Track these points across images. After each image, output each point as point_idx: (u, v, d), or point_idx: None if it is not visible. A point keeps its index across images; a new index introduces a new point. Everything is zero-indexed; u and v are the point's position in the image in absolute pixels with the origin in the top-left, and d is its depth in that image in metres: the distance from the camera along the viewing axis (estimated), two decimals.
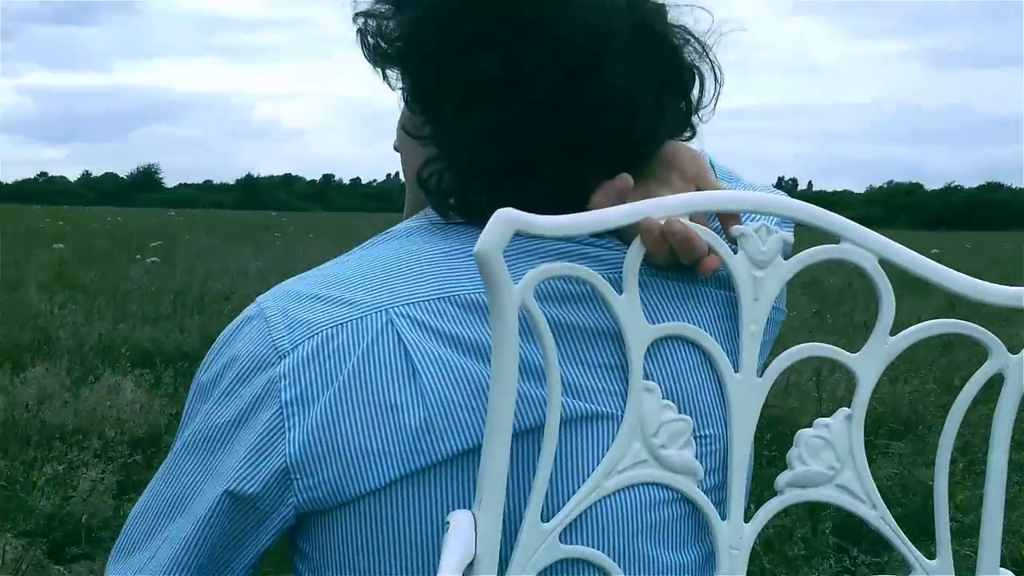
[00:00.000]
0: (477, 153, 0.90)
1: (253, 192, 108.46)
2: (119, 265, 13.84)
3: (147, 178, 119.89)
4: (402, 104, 0.99)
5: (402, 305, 0.88)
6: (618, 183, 0.92)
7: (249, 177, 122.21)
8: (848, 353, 0.93)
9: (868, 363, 0.93)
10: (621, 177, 0.92)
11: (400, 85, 0.96)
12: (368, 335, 0.87)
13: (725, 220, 0.93)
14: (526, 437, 0.85)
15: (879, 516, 0.93)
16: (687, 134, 1.01)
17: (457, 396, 0.85)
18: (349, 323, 0.88)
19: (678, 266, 0.92)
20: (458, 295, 0.88)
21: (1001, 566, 0.96)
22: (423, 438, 0.84)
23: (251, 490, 0.86)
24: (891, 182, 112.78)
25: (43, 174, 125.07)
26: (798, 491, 0.92)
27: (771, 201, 0.93)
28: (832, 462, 0.92)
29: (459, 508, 0.83)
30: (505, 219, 0.81)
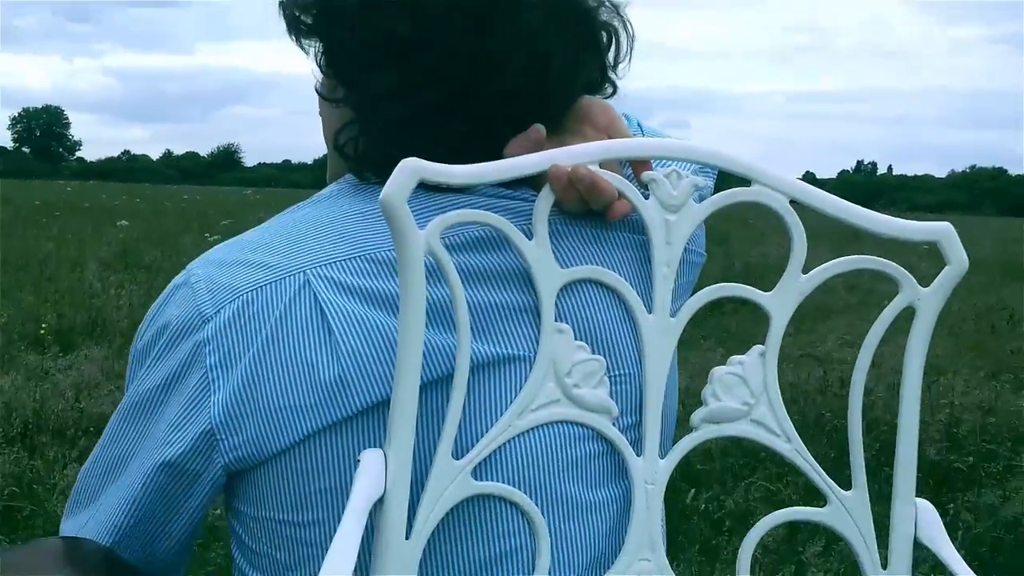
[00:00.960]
0: (384, 109, 0.93)
1: None
2: (184, 244, 13.25)
3: (227, 157, 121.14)
4: (316, 71, 1.01)
5: (319, 266, 0.91)
6: (532, 134, 0.94)
7: (326, 157, 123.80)
8: (761, 292, 0.96)
9: (781, 301, 0.95)
10: (535, 128, 0.95)
11: (315, 51, 0.99)
12: (286, 296, 0.90)
13: (636, 167, 0.96)
14: (439, 386, 0.88)
15: (793, 449, 0.95)
16: (608, 90, 1.03)
17: (369, 350, 0.88)
18: (268, 286, 0.90)
19: (591, 213, 0.94)
20: (374, 252, 0.91)
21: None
22: (338, 393, 0.87)
23: (180, 453, 0.90)
24: (974, 167, 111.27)
25: (126, 152, 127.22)
26: (713, 427, 0.95)
27: (678, 147, 0.95)
28: (746, 398, 0.95)
29: None
30: (410, 168, 0.84)
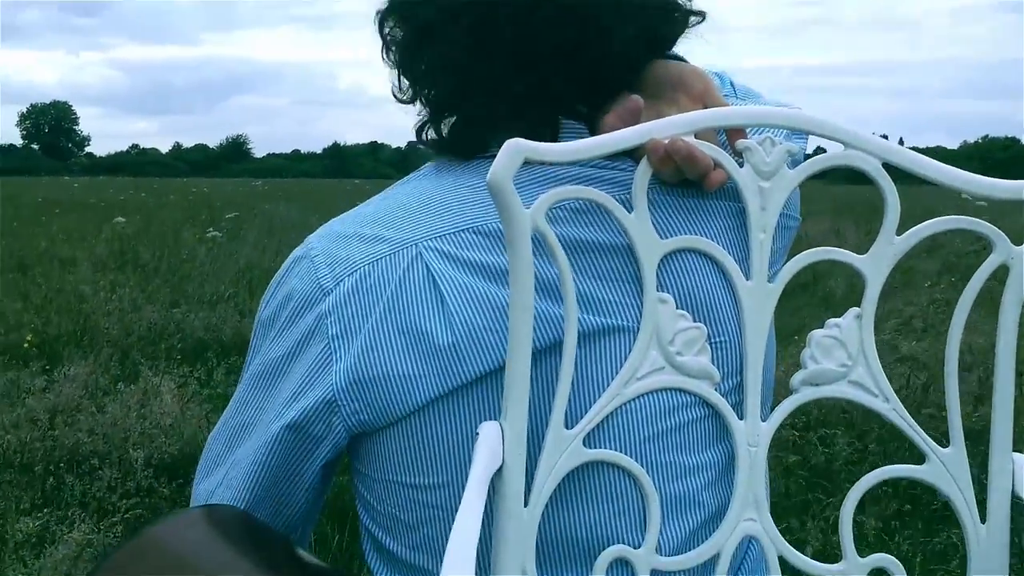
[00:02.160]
0: (436, 86, 0.97)
1: (339, 160, 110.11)
2: (187, 239, 12.89)
3: (236, 148, 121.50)
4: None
5: (430, 239, 0.94)
6: (629, 104, 0.96)
7: (335, 146, 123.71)
8: (856, 255, 0.97)
9: (875, 263, 0.97)
10: (633, 98, 0.96)
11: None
12: (400, 268, 0.93)
13: (731, 135, 0.97)
14: (549, 354, 0.91)
15: (891, 408, 0.97)
16: (694, 20, 1.04)
17: (481, 320, 0.91)
18: (383, 259, 0.94)
19: (687, 183, 0.96)
20: (482, 225, 0.94)
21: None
22: (453, 361, 0.91)
23: (303, 417, 0.94)
24: (986, 137, 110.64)
25: (135, 146, 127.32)
26: (812, 389, 0.96)
27: (773, 113, 0.96)
28: (844, 360, 0.96)
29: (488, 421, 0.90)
30: (514, 148, 0.86)
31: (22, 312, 7.25)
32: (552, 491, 0.89)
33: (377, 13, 1.01)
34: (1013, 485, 0.97)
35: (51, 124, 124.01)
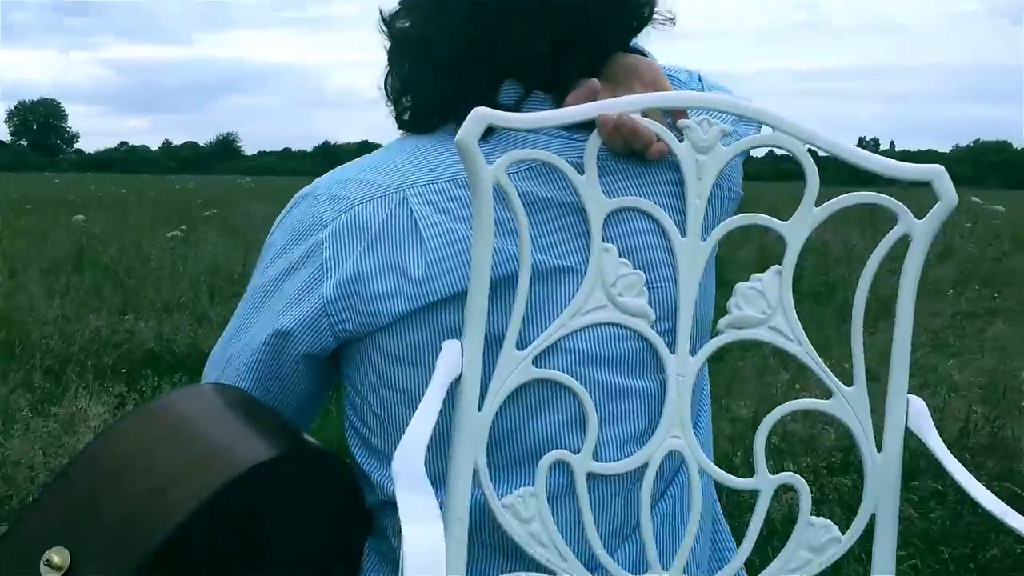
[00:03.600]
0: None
1: (330, 158, 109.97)
2: (153, 239, 12.02)
3: (226, 146, 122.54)
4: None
5: (414, 187, 1.14)
6: (588, 85, 1.15)
7: (327, 144, 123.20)
8: (778, 220, 1.15)
9: (796, 228, 1.14)
10: (592, 81, 1.15)
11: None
12: (387, 209, 1.13)
13: (675, 116, 1.15)
14: (507, 285, 1.10)
15: (805, 352, 1.14)
16: (668, 25, 1.23)
17: (451, 252, 1.11)
18: (375, 200, 1.14)
19: (635, 153, 1.14)
20: (458, 178, 1.13)
21: None
22: (424, 284, 1.10)
23: (295, 323, 1.14)
24: (978, 141, 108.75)
25: (124, 143, 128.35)
26: (735, 331, 1.14)
27: (708, 98, 1.15)
28: (764, 308, 1.14)
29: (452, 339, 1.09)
30: (479, 115, 1.05)
31: None
32: (503, 401, 1.08)
33: (381, 15, 1.22)
34: (907, 421, 1.13)
35: (40, 121, 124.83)
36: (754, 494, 1.14)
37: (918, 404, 1.14)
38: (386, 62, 1.22)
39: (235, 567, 1.05)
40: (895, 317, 1.14)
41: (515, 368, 1.09)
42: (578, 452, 1.10)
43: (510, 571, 1.11)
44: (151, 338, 6.22)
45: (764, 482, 1.13)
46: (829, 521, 1.14)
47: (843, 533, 1.13)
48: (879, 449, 1.14)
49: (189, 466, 1.00)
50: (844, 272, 9.34)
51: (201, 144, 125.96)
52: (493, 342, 1.08)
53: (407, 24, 1.20)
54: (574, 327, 1.11)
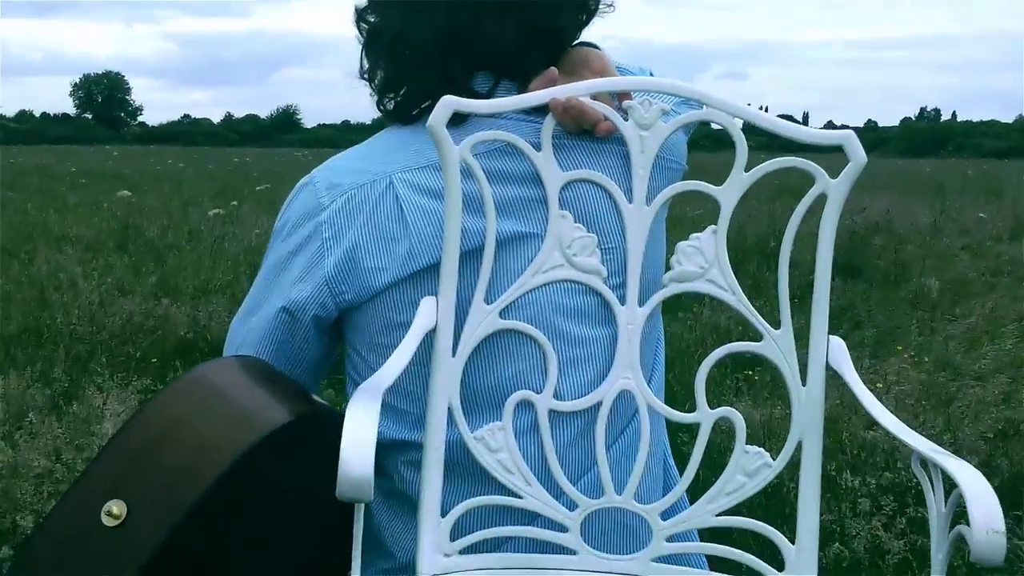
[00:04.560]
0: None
1: None
2: (202, 215, 11.78)
3: (286, 119, 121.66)
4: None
5: (399, 172, 1.31)
6: (548, 74, 1.31)
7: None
8: (713, 185, 1.31)
9: (728, 192, 1.30)
10: (551, 70, 1.32)
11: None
12: (376, 193, 1.30)
13: (620, 98, 1.32)
14: (476, 255, 1.26)
15: (738, 300, 1.31)
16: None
17: (430, 229, 1.27)
18: (365, 185, 1.31)
19: (585, 132, 1.31)
20: (436, 163, 1.29)
21: None
22: (408, 257, 1.27)
23: (303, 297, 1.31)
24: None
25: (187, 116, 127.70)
26: (677, 284, 1.30)
27: (646, 81, 1.31)
28: (702, 263, 1.30)
29: None
30: (446, 102, 1.22)
31: None
32: (473, 348, 1.25)
33: (356, 9, 1.38)
34: (827, 358, 1.30)
35: (104, 94, 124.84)
36: (697, 429, 1.31)
37: (837, 343, 1.31)
38: (362, 53, 1.38)
39: (264, 515, 1.23)
40: (816, 265, 1.30)
41: (484, 319, 1.25)
42: (541, 392, 1.27)
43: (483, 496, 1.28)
44: (185, 324, 5.94)
45: (704, 416, 1.30)
46: (761, 449, 1.30)
47: (774, 460, 1.30)
48: (804, 384, 1.30)
49: (223, 430, 1.18)
50: (915, 252, 9.12)
51: (262, 117, 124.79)
52: (466, 304, 1.25)
53: (377, 19, 1.36)
54: (535, 284, 1.27)
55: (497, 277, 1.27)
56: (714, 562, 1.34)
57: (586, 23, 1.38)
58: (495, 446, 1.25)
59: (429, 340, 1.24)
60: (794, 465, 1.31)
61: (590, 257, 1.29)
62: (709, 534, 1.32)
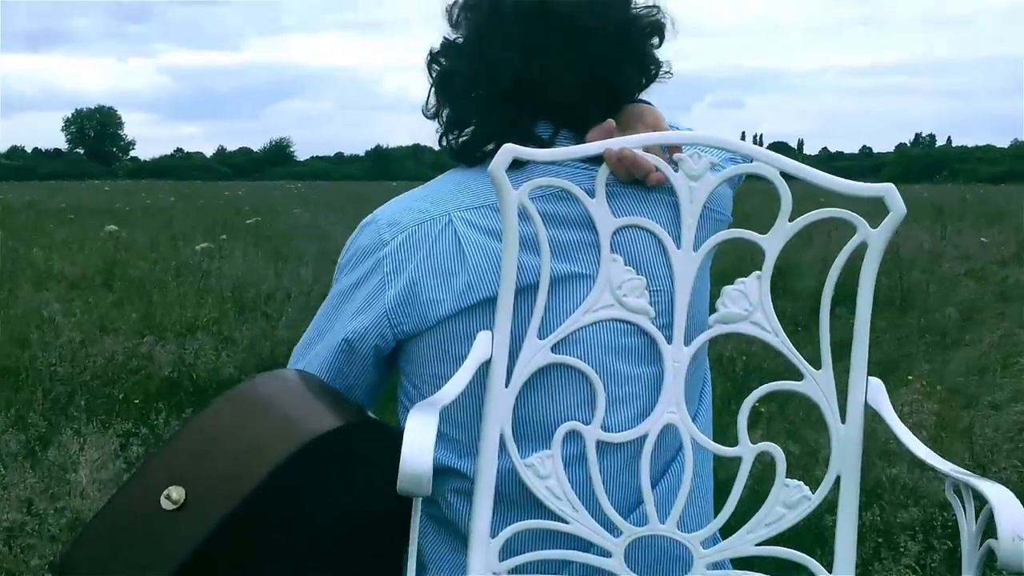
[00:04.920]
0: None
1: (382, 162, 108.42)
2: (190, 250, 11.52)
3: (279, 152, 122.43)
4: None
5: (458, 211, 1.41)
6: (604, 125, 1.41)
7: (378, 148, 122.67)
8: (757, 234, 1.39)
9: (773, 240, 1.38)
10: (609, 121, 1.41)
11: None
12: (435, 230, 1.40)
13: (671, 151, 1.41)
14: (532, 291, 1.36)
15: (781, 342, 1.38)
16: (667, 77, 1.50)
17: (487, 264, 1.37)
18: (425, 223, 1.42)
19: (637, 181, 1.40)
20: (493, 203, 1.39)
21: None
22: (465, 291, 1.37)
23: (364, 328, 1.41)
24: None
25: (179, 150, 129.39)
26: (723, 326, 1.38)
27: (698, 136, 1.39)
28: (747, 306, 1.38)
29: None
30: (507, 150, 1.32)
31: None
32: (525, 380, 1.34)
33: (430, 52, 1.49)
34: (865, 398, 1.36)
35: (96, 129, 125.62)
36: (739, 462, 1.37)
37: (876, 383, 1.37)
38: (431, 95, 1.49)
39: (307, 517, 1.32)
40: (857, 308, 1.37)
41: (536, 353, 1.35)
42: (589, 424, 1.36)
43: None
44: (169, 363, 5.79)
45: (746, 450, 1.37)
46: (800, 482, 1.36)
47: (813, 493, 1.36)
48: (843, 421, 1.36)
49: (276, 432, 1.28)
50: (920, 277, 9.12)
51: (255, 150, 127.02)
52: (519, 339, 1.35)
53: (449, 64, 1.47)
54: (586, 322, 1.36)
55: (550, 314, 1.36)
56: None
57: (646, 86, 1.48)
58: (544, 473, 1.34)
59: (481, 373, 1.34)
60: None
61: (639, 298, 1.37)
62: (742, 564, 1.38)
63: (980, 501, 1.17)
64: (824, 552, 1.37)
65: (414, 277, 1.40)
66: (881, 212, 1.37)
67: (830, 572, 1.35)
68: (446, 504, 1.42)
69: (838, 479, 1.36)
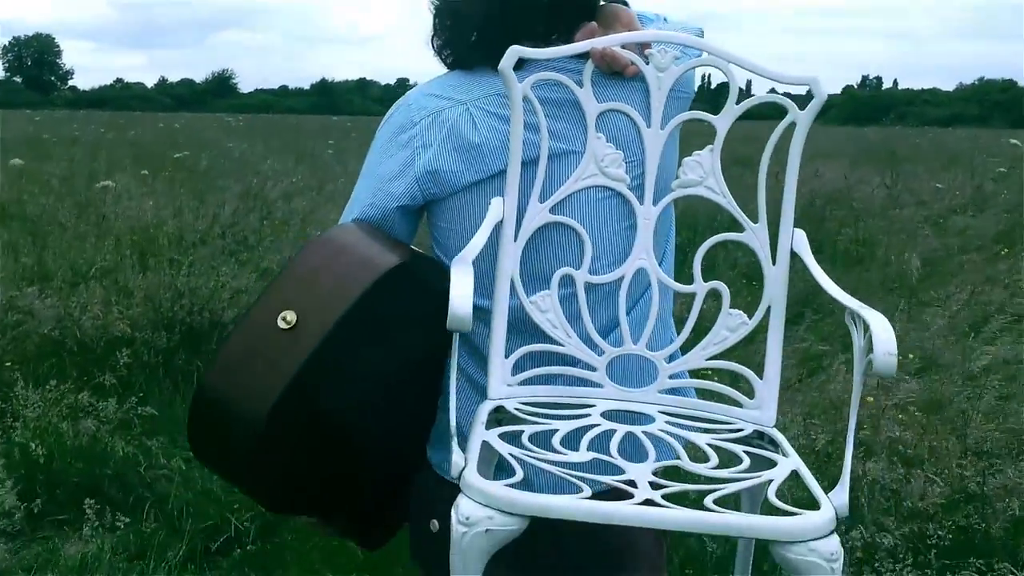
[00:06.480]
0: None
1: (327, 97, 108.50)
2: (79, 190, 10.33)
3: (222, 84, 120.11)
4: None
5: (474, 100, 1.73)
6: (587, 27, 1.73)
7: (324, 82, 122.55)
8: (711, 114, 1.73)
9: (723, 120, 1.73)
10: (590, 24, 1.73)
11: None
12: (455, 114, 1.73)
13: (643, 48, 1.73)
14: (534, 163, 1.69)
15: (728, 202, 1.74)
16: None
17: (497, 142, 1.70)
18: (446, 109, 1.74)
19: (617, 73, 1.72)
20: (501, 92, 1.71)
21: None
22: (481, 163, 1.71)
23: (400, 192, 1.74)
24: (982, 79, 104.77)
25: (119, 80, 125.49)
26: (682, 189, 1.74)
27: (665, 35, 1.72)
28: (701, 173, 1.74)
29: None
30: (513, 51, 1.63)
31: None
32: (530, 235, 1.69)
33: None
34: (791, 244, 1.74)
35: (34, 57, 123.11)
36: (693, 297, 1.76)
37: (799, 233, 1.75)
38: (433, 22, 1.80)
39: (379, 343, 1.67)
40: (786, 176, 1.73)
41: (538, 214, 1.70)
42: (579, 269, 1.72)
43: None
44: (51, 318, 5.03)
45: (699, 287, 1.75)
46: (741, 311, 1.75)
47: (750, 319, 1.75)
48: (774, 263, 1.74)
49: (359, 264, 1.64)
50: (876, 225, 8.55)
51: (197, 81, 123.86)
52: (526, 204, 1.69)
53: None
54: (576, 188, 1.71)
55: (548, 183, 1.70)
56: (701, 394, 1.81)
57: None
58: (544, 308, 1.71)
59: (495, 232, 1.68)
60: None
61: (618, 168, 1.72)
62: (695, 375, 1.78)
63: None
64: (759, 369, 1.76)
65: (440, 151, 1.72)
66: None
67: (760, 378, 1.75)
68: (472, 332, 1.78)
69: (769, 308, 1.75)
